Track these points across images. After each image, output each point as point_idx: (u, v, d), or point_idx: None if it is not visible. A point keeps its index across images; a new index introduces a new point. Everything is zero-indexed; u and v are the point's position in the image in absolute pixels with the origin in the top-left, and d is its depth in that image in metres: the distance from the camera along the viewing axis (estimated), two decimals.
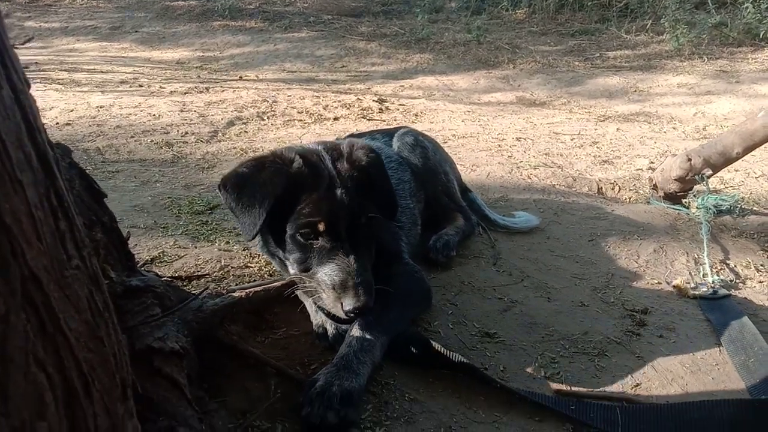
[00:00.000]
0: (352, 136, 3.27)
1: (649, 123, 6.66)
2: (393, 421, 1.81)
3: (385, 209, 2.19)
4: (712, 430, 1.81)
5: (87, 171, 4.00)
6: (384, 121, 6.11)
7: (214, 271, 2.61)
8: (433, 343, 2.04)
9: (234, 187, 2.06)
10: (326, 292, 1.96)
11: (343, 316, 1.93)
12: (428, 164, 3.08)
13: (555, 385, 2.05)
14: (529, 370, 2.14)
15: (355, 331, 2.01)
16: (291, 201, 2.01)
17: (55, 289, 0.93)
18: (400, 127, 3.32)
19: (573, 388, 2.04)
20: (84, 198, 1.34)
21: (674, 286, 2.76)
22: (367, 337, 1.99)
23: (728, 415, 1.84)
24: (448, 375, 2.02)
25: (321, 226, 1.98)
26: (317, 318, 2.19)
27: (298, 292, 2.23)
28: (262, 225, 2.01)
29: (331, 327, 2.13)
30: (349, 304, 1.90)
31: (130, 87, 7.04)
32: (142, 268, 2.51)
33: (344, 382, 1.79)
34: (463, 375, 2.00)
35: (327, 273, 1.96)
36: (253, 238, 2.06)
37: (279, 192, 1.99)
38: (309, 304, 2.24)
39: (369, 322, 2.04)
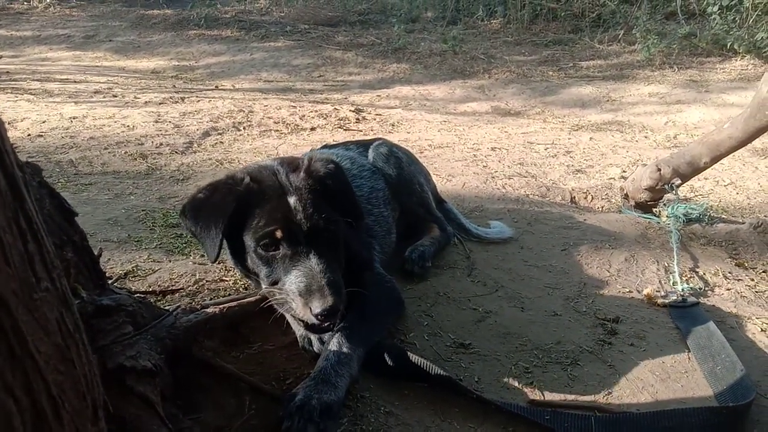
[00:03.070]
0: (326, 146, 3.29)
1: (622, 132, 6.79)
2: None
3: (349, 216, 2.18)
4: None
5: (60, 183, 3.95)
6: (361, 131, 6.14)
7: (189, 286, 2.60)
8: (410, 354, 2.06)
9: (192, 212, 2.09)
10: (295, 300, 1.94)
11: (315, 321, 1.91)
12: (402, 174, 3.10)
13: (530, 395, 2.08)
14: (503, 380, 2.16)
15: (333, 344, 2.03)
16: (247, 218, 2.03)
17: (24, 313, 0.93)
18: (376, 139, 3.34)
19: (546, 398, 2.08)
20: (54, 217, 1.33)
21: (645, 295, 2.81)
22: (344, 350, 2.01)
23: (699, 423, 1.89)
24: (422, 387, 2.03)
25: (278, 234, 1.98)
26: (301, 329, 2.19)
27: (277, 305, 2.25)
28: (221, 245, 2.04)
29: (315, 336, 2.14)
30: (316, 306, 1.87)
31: (104, 97, 6.97)
32: (115, 284, 2.50)
33: (323, 396, 1.81)
34: (439, 387, 2.01)
35: (292, 280, 1.95)
36: (215, 260, 2.08)
37: (231, 211, 2.01)
38: (290, 316, 2.25)
39: (345, 334, 2.06)
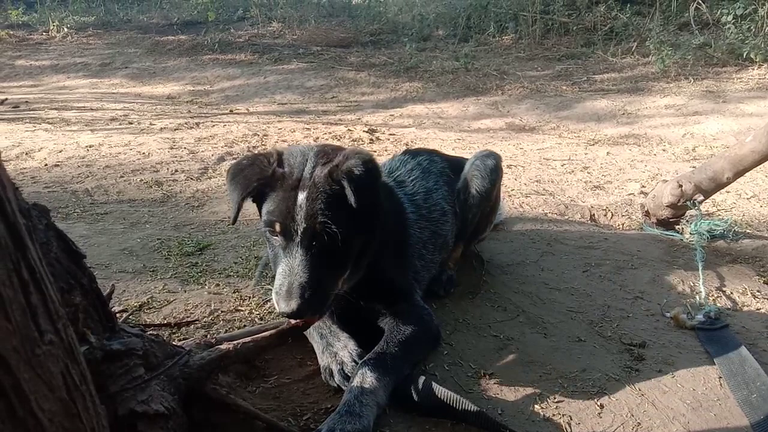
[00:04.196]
0: (409, 153, 3.09)
1: (639, 145, 6.70)
2: None
3: (362, 225, 2.09)
4: None
5: (75, 214, 3.95)
6: (375, 151, 6.10)
7: (204, 316, 2.56)
8: (437, 387, 2.00)
9: (229, 175, 2.17)
10: (273, 294, 1.98)
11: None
12: (491, 195, 3.00)
13: (557, 427, 2.00)
14: (528, 411, 2.08)
15: (357, 377, 1.98)
16: (266, 198, 2.08)
17: (26, 370, 0.89)
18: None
19: (574, 430, 2.00)
20: (62, 261, 1.30)
21: (671, 317, 2.72)
22: (369, 379, 1.96)
23: None
24: (446, 422, 1.96)
25: (277, 227, 2.00)
26: (324, 359, 2.16)
27: (307, 333, 2.24)
28: (237, 214, 2.12)
29: (336, 367, 2.11)
30: (280, 306, 1.91)
31: (120, 124, 7.03)
32: (130, 317, 2.47)
33: (347, 426, 1.76)
34: (466, 422, 1.94)
35: (276, 274, 2.00)
36: (233, 223, 2.19)
37: (252, 190, 2.07)
38: (317, 345, 2.24)
39: (371, 365, 2.02)
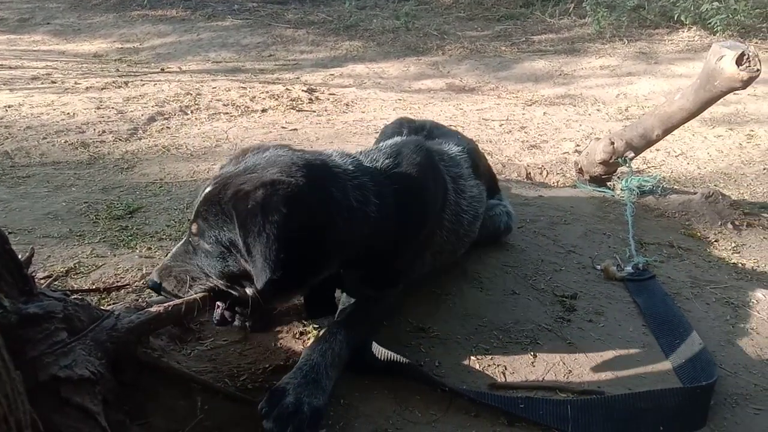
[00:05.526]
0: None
1: (575, 106, 6.83)
2: (328, 429, 1.76)
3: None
4: (658, 418, 1.84)
5: None
6: (314, 111, 6.00)
7: (135, 281, 2.47)
8: (376, 347, 1.99)
9: None
10: None
11: None
12: None
13: (492, 378, 2.05)
14: (464, 363, 2.13)
15: (336, 344, 1.93)
16: None
17: None
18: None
19: (508, 380, 2.05)
20: None
21: (602, 269, 2.81)
22: (343, 352, 1.92)
23: (674, 404, 1.88)
24: (383, 376, 1.98)
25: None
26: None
27: None
28: None
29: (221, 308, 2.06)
30: None
31: (43, 83, 6.62)
32: (55, 283, 2.36)
33: (314, 400, 1.73)
34: (406, 378, 1.95)
35: None
36: None
37: None
38: None
39: (351, 335, 1.98)
